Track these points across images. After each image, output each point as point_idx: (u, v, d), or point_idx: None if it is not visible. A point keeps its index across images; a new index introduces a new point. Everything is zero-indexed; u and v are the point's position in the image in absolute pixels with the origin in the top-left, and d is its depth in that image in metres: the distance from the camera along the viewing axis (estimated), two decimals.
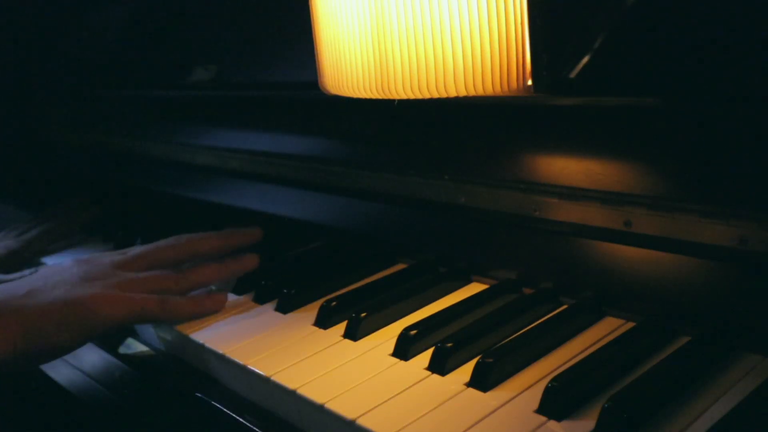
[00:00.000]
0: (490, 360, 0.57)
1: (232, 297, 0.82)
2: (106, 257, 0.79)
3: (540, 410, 0.53)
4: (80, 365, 0.83)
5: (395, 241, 0.84)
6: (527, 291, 0.72)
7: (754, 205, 0.55)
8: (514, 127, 0.71)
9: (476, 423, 0.52)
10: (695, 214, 0.58)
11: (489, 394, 0.56)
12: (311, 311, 0.73)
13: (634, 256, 0.62)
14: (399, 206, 0.83)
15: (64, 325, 0.67)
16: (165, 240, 0.83)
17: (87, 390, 0.80)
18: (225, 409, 0.63)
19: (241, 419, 0.62)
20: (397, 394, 0.57)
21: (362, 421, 0.54)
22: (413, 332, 0.63)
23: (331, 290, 0.77)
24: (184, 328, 0.73)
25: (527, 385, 0.56)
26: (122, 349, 0.80)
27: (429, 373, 0.60)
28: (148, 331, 0.80)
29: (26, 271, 1.02)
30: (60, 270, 0.76)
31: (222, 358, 0.67)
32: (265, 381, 0.61)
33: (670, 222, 0.60)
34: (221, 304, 0.76)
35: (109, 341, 0.81)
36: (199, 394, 0.66)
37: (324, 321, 0.70)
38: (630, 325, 0.64)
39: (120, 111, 1.34)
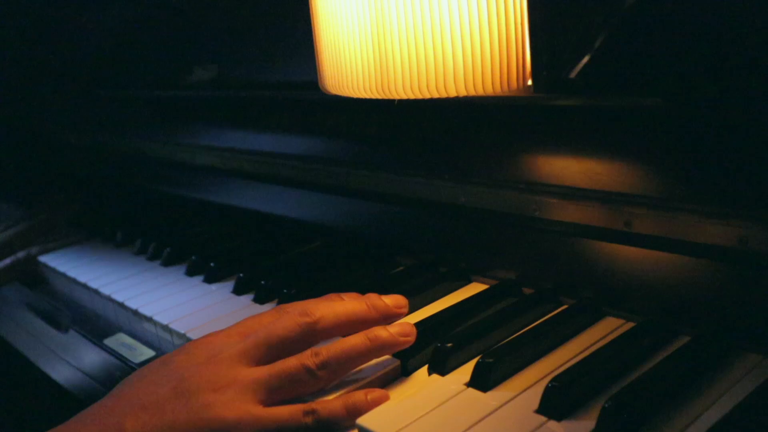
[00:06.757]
0: (490, 360, 0.57)
1: (232, 297, 0.82)
2: (222, 350, 0.58)
3: (540, 410, 0.53)
4: (80, 365, 0.83)
5: (395, 241, 0.84)
6: (527, 291, 0.72)
7: (754, 205, 0.55)
8: (514, 127, 0.71)
9: (476, 423, 0.52)
10: (695, 214, 0.58)
11: (489, 394, 0.56)
12: None
13: (634, 256, 0.62)
14: (399, 206, 0.83)
15: None
16: (292, 317, 0.60)
17: (87, 390, 0.80)
18: None
19: None
20: (397, 394, 0.57)
21: (362, 422, 0.54)
22: None
23: (331, 290, 0.77)
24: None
25: (527, 385, 0.56)
26: (121, 349, 0.80)
27: (429, 373, 0.60)
28: (148, 331, 0.80)
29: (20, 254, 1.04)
30: (164, 373, 0.57)
31: None
32: None
33: (670, 222, 0.60)
34: (381, 402, 0.56)
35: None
36: None
37: None
38: (630, 325, 0.64)
39: (120, 111, 1.34)
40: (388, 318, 0.63)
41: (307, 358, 0.57)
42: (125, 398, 0.56)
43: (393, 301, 0.64)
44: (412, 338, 0.61)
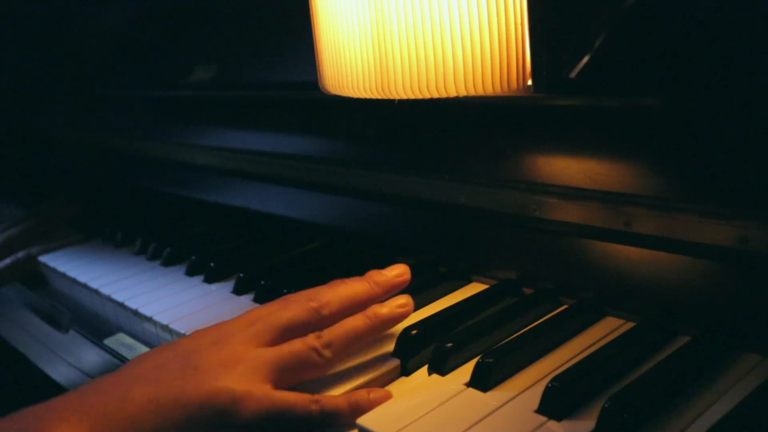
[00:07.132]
0: (490, 360, 0.57)
1: (232, 297, 0.82)
2: (230, 334, 0.59)
3: (540, 410, 0.53)
4: (80, 365, 0.83)
5: (395, 241, 0.84)
6: (527, 291, 0.72)
7: (754, 205, 0.55)
8: (514, 127, 0.71)
9: (476, 423, 0.52)
10: (695, 214, 0.58)
11: (489, 394, 0.56)
12: None
13: (634, 256, 0.62)
14: (399, 206, 0.83)
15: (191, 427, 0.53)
16: (299, 303, 0.61)
17: None
18: None
19: None
20: (397, 394, 0.57)
21: (362, 422, 0.54)
22: (413, 332, 0.63)
23: None
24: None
25: (527, 385, 0.56)
26: (121, 349, 0.80)
27: (429, 373, 0.60)
28: (148, 331, 0.80)
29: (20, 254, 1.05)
30: (171, 354, 0.57)
31: None
32: None
33: (670, 222, 0.60)
34: (383, 401, 0.56)
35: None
36: None
37: None
38: (630, 325, 0.64)
39: (120, 111, 1.34)
40: (391, 291, 0.65)
41: (311, 339, 0.58)
42: (131, 374, 0.56)
43: (394, 271, 0.65)
44: (410, 307, 0.63)
